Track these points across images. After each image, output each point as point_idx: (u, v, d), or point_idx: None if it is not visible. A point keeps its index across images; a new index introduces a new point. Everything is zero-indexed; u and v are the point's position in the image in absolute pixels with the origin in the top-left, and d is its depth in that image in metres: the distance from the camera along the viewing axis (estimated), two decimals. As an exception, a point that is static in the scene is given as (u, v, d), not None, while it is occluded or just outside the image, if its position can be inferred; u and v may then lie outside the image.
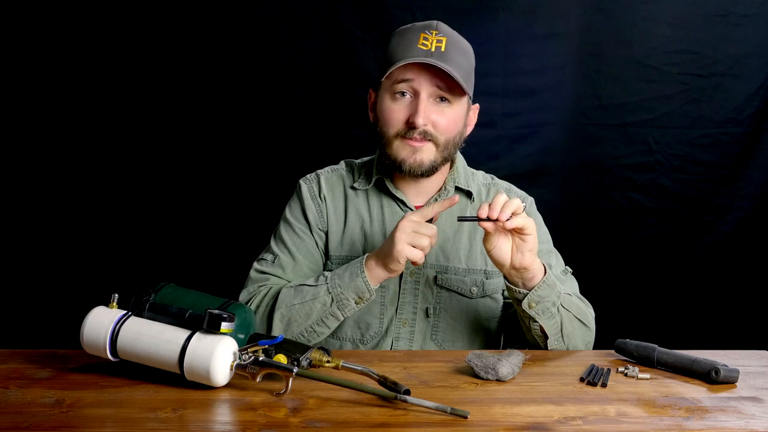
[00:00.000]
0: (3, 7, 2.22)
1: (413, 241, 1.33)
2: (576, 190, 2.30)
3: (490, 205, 1.29)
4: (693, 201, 2.29)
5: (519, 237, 1.31)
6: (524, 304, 1.36)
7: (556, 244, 1.62)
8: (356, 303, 1.40)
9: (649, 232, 2.31)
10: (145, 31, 2.23)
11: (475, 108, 1.58)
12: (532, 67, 2.25)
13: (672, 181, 2.29)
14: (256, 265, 1.56)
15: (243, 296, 1.50)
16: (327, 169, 1.64)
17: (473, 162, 1.68)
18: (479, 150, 2.22)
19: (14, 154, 2.28)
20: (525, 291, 1.36)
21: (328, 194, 1.58)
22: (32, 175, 2.29)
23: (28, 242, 2.31)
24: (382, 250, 1.38)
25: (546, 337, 1.40)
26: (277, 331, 1.41)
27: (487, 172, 1.67)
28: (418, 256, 1.34)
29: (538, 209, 1.64)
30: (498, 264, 1.35)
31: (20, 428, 0.97)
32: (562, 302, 1.40)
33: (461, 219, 1.38)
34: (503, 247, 1.33)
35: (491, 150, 2.26)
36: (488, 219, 1.28)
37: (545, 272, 1.36)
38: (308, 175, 1.63)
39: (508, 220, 1.27)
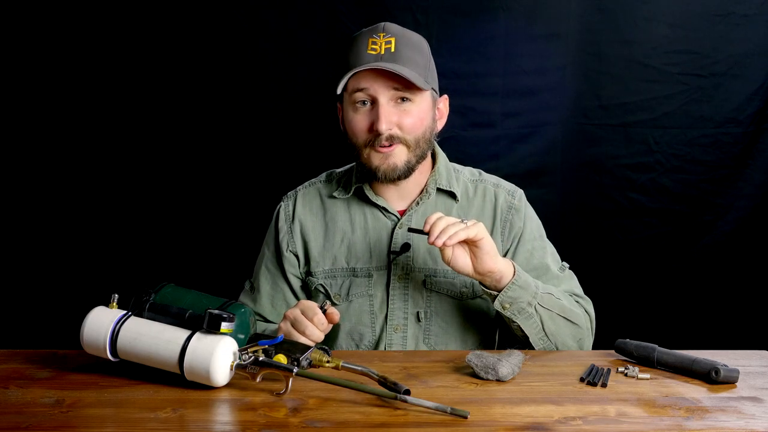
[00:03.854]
0: (3, 7, 2.21)
1: (297, 329, 1.30)
2: (576, 190, 2.30)
3: (430, 231, 1.29)
4: (693, 201, 2.29)
5: (472, 245, 1.32)
6: (497, 306, 1.37)
7: (557, 244, 1.62)
8: None
9: (649, 232, 2.31)
10: (145, 31, 2.23)
11: (444, 99, 1.57)
12: (532, 67, 2.24)
13: (672, 181, 2.28)
14: (242, 294, 1.64)
15: None
16: (306, 183, 1.65)
17: (473, 162, 1.68)
18: (479, 150, 2.21)
19: (14, 154, 2.28)
20: (495, 293, 1.37)
21: (304, 212, 1.59)
22: (32, 176, 2.29)
23: (28, 242, 2.31)
24: None
25: (527, 336, 1.41)
26: None
27: (486, 172, 1.65)
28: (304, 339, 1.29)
29: (538, 209, 1.63)
30: (462, 274, 1.36)
31: (20, 428, 0.98)
32: (539, 302, 1.39)
33: (411, 230, 1.38)
34: (460, 257, 1.34)
35: (491, 150, 2.25)
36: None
37: (514, 273, 1.36)
38: (288, 193, 1.65)
39: (449, 238, 1.27)
